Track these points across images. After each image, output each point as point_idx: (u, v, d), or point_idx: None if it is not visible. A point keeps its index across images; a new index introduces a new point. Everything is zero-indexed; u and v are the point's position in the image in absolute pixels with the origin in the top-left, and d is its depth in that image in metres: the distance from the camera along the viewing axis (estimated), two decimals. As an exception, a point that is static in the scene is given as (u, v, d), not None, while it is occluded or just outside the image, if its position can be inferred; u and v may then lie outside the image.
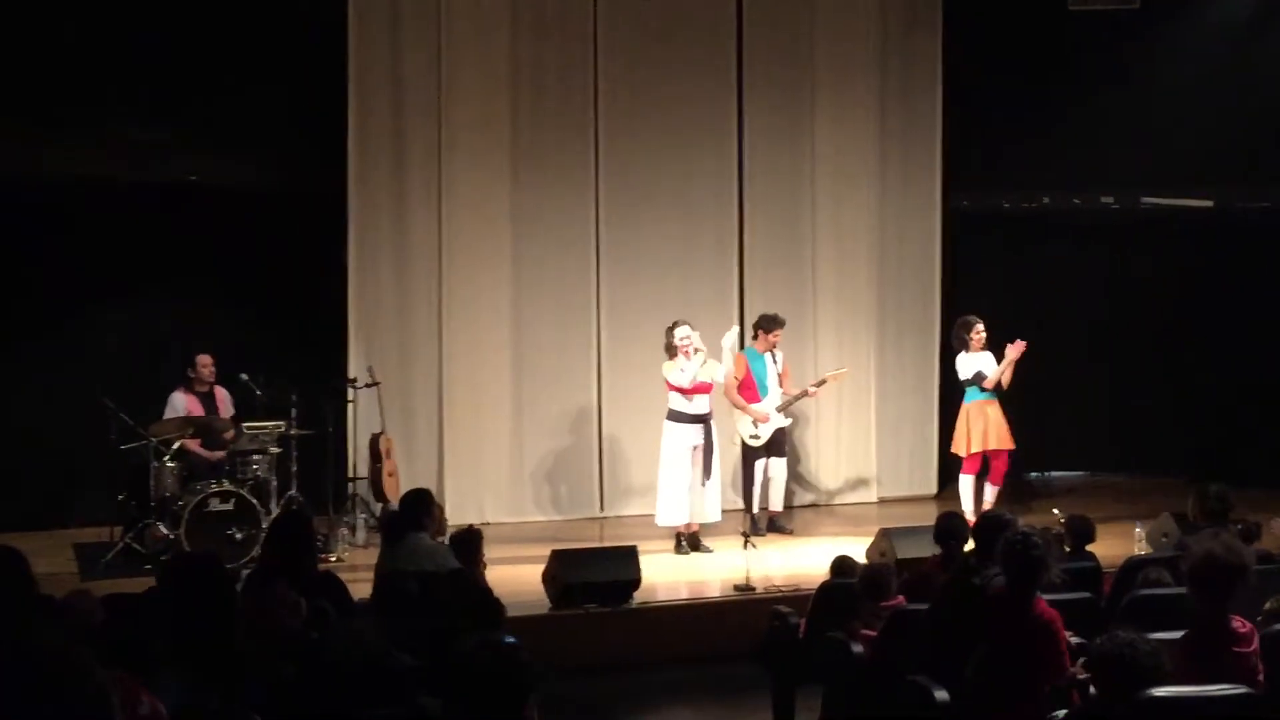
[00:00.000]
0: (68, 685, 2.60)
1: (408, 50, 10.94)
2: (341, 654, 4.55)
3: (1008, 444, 10.52)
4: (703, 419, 9.70)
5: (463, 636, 5.01)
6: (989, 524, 6.19)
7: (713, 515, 9.86)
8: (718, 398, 10.37)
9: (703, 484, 9.70)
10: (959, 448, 10.63)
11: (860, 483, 12.21)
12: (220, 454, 9.64)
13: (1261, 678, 4.76)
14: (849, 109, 12.07)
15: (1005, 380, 10.38)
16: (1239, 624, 4.85)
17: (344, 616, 5.39)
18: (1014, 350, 10.25)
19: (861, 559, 7.64)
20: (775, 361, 10.59)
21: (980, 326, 10.55)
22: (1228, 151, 12.34)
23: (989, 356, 10.53)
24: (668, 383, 9.71)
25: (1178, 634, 4.90)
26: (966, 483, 10.59)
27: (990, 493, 10.60)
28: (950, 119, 12.33)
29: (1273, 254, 12.63)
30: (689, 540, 9.85)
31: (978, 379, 10.44)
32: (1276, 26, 12.20)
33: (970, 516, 9.68)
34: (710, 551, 9.82)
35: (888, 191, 12.25)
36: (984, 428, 10.45)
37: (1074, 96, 12.42)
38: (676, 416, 9.72)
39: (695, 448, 9.67)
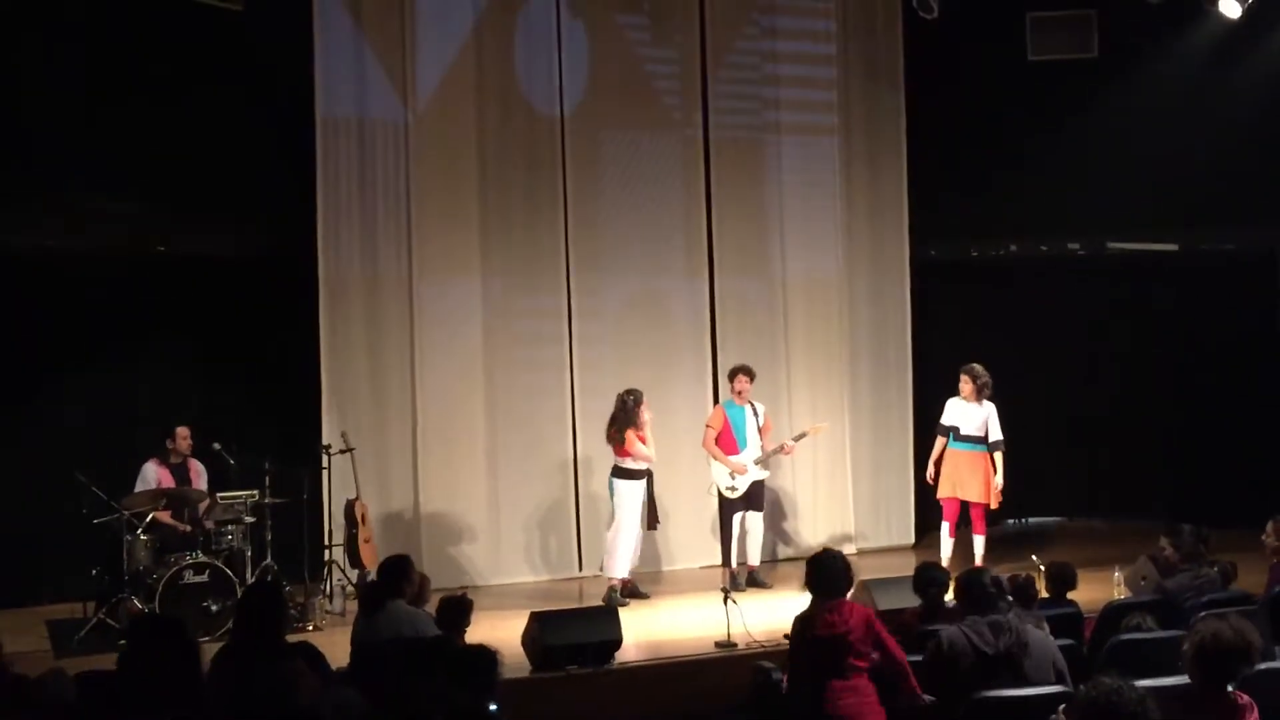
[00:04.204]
0: None
1: (374, 114, 10.93)
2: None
3: (972, 497, 10.44)
4: (647, 473, 10.20)
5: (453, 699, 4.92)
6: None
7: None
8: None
9: (651, 530, 10.41)
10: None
11: (838, 534, 12.17)
12: (188, 528, 9.54)
13: None
14: (815, 161, 12.17)
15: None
16: (1238, 696, 4.66)
17: (324, 686, 5.33)
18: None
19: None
20: (756, 414, 10.59)
21: (965, 378, 10.49)
22: (1190, 196, 12.47)
23: (974, 408, 10.46)
24: (629, 453, 10.05)
25: (1161, 681, 4.85)
26: (943, 530, 10.59)
27: (978, 543, 10.54)
28: (915, 169, 12.45)
29: (1239, 296, 12.76)
30: (629, 590, 10.20)
31: (946, 429, 10.55)
32: (1228, 72, 12.39)
33: (945, 563, 9.74)
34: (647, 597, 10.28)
35: (856, 242, 12.35)
36: (951, 475, 10.47)
37: (1037, 145, 12.58)
38: (629, 474, 10.16)
39: (643, 501, 10.19)
